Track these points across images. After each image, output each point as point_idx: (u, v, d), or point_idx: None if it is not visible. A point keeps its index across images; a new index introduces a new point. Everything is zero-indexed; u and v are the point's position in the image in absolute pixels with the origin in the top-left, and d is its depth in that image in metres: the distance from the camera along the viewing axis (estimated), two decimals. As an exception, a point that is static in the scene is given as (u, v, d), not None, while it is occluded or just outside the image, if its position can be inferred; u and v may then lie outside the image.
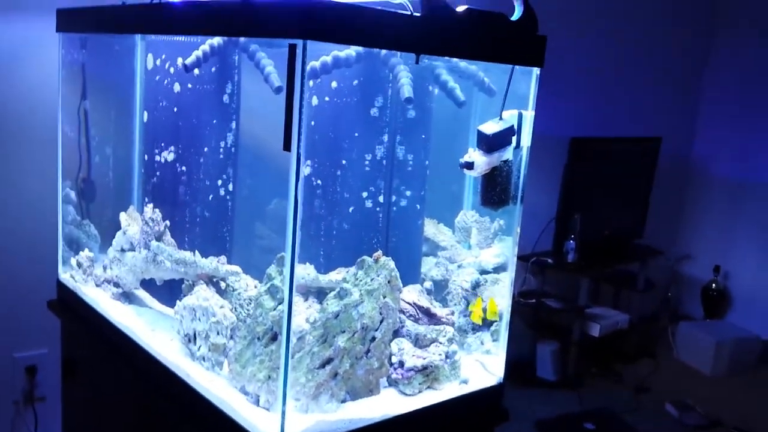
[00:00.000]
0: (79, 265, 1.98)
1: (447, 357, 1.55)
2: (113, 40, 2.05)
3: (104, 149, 2.10)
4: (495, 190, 1.58)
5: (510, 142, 1.56)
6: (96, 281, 1.94)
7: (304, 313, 1.49)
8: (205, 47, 1.64)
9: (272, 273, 1.46)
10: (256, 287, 1.58)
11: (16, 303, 2.35)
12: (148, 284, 1.87)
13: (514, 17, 1.52)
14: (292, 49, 1.19)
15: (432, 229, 1.97)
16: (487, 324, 1.73)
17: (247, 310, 1.51)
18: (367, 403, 1.45)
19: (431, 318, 1.63)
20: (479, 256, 1.88)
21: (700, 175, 4.72)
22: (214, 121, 1.76)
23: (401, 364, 1.51)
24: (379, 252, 1.51)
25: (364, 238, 1.71)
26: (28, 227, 2.33)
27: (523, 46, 1.54)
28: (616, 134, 3.99)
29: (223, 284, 1.64)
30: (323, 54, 1.54)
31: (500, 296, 1.73)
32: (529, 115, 1.57)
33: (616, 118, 4.16)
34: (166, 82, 1.77)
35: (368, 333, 1.45)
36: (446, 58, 1.69)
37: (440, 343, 1.57)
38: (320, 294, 1.58)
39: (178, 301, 1.63)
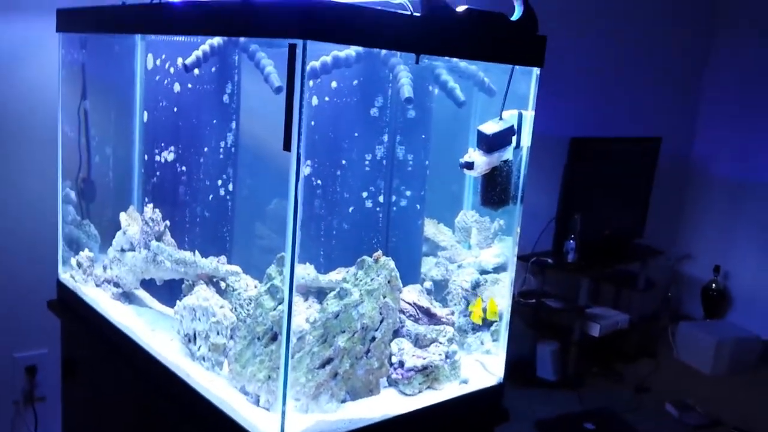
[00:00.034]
0: (79, 265, 1.98)
1: (447, 357, 1.55)
2: (113, 40, 2.05)
3: (104, 149, 2.10)
4: (495, 190, 1.58)
5: (510, 142, 1.56)
6: (96, 281, 1.94)
7: (304, 313, 1.49)
8: (205, 47, 1.64)
9: (272, 273, 1.46)
10: (256, 287, 1.58)
11: (16, 303, 2.35)
12: (148, 284, 1.87)
13: (514, 17, 1.52)
14: (292, 49, 1.19)
15: (432, 229, 1.97)
16: (487, 324, 1.73)
17: (247, 310, 1.51)
18: (367, 403, 1.45)
19: (431, 318, 1.63)
20: (479, 256, 1.88)
21: (700, 175, 4.72)
22: (214, 121, 1.76)
23: (401, 364, 1.51)
24: (379, 252, 1.51)
25: (364, 238, 1.71)
26: (28, 227, 2.33)
27: (523, 46, 1.54)
28: (616, 134, 3.99)
29: (223, 284, 1.64)
30: (323, 54, 1.54)
31: (500, 296, 1.73)
32: (529, 115, 1.57)
33: (616, 118, 4.16)
34: (166, 82, 1.77)
35: (368, 333, 1.45)
36: (446, 58, 1.69)
37: (440, 343, 1.57)
38: (320, 294, 1.58)
39: (178, 301, 1.63)
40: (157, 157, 1.81)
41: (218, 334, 1.52)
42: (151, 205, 1.76)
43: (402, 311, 1.60)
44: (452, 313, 1.70)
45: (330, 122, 1.67)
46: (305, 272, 1.58)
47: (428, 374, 1.52)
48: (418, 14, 1.35)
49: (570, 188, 3.63)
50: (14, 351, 2.39)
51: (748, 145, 4.48)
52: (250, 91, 1.78)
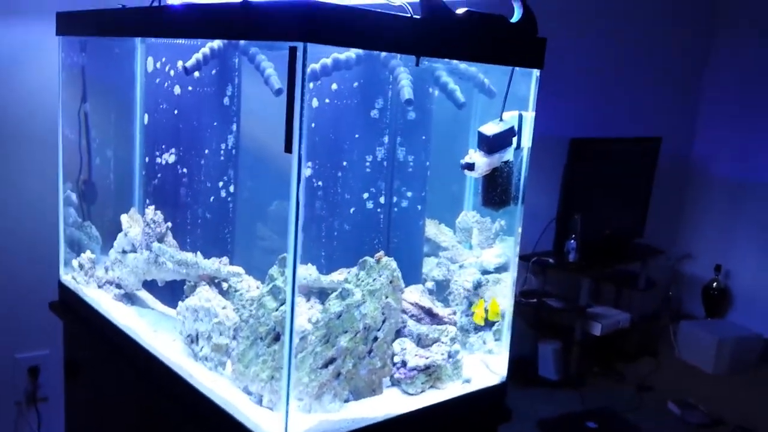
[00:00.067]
0: (81, 266, 1.98)
1: (449, 356, 1.56)
2: (113, 43, 2.05)
3: (105, 151, 2.11)
4: (496, 191, 1.59)
5: (510, 143, 1.56)
6: (98, 282, 1.94)
7: (307, 313, 1.50)
8: (206, 50, 1.65)
9: (274, 274, 1.47)
10: (258, 288, 1.59)
11: (18, 304, 2.36)
12: (150, 285, 1.87)
13: (514, 19, 1.52)
14: (293, 51, 1.19)
15: (433, 229, 1.98)
16: (489, 324, 1.74)
17: (250, 310, 1.51)
18: (370, 402, 1.45)
19: (433, 318, 1.64)
20: (480, 257, 1.89)
21: (700, 175, 4.73)
22: (215, 124, 1.77)
23: (404, 363, 1.51)
24: (381, 252, 1.51)
25: (366, 238, 1.72)
26: (29, 229, 2.34)
27: (523, 48, 1.54)
28: (616, 134, 4.00)
29: (225, 285, 1.64)
30: (323, 56, 1.55)
31: (502, 296, 1.73)
32: (529, 116, 1.58)
33: (615, 118, 4.17)
34: (166, 84, 1.77)
35: (371, 333, 1.45)
36: (446, 60, 1.69)
37: (442, 342, 1.58)
38: (322, 294, 1.59)
39: (180, 302, 1.64)
40: (158, 159, 1.81)
41: (221, 334, 1.53)
42: (152, 207, 1.76)
43: (404, 311, 1.60)
44: (454, 313, 1.71)
45: (330, 124, 1.67)
46: (307, 273, 1.58)
47: (431, 374, 1.53)
48: (418, 16, 1.36)
49: (570, 188, 3.63)
50: (16, 352, 2.40)
51: (748, 144, 4.48)
52: (251, 94, 1.78)
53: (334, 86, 1.65)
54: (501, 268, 1.83)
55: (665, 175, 4.30)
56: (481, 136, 1.55)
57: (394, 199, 1.77)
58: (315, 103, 1.65)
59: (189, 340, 1.60)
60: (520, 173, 1.60)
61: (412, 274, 1.73)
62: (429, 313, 1.64)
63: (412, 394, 1.51)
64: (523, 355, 3.61)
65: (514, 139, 1.57)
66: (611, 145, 3.92)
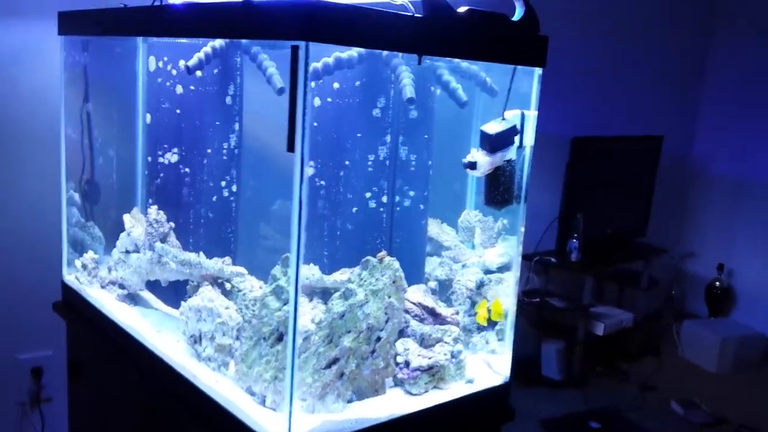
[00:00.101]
0: (84, 266, 1.98)
1: (452, 356, 1.56)
2: (115, 43, 2.05)
3: (107, 151, 2.11)
4: (498, 190, 1.58)
5: (513, 142, 1.56)
6: (101, 283, 1.94)
7: (310, 313, 1.50)
8: (207, 49, 1.65)
9: (277, 274, 1.47)
10: (261, 288, 1.58)
11: (21, 305, 2.36)
12: (153, 285, 1.87)
13: (516, 18, 1.52)
14: (295, 50, 1.19)
15: (436, 229, 1.98)
16: (491, 324, 1.74)
17: (253, 310, 1.51)
18: (374, 402, 1.45)
19: (436, 318, 1.63)
20: (483, 256, 1.88)
21: (703, 174, 4.72)
22: (217, 123, 1.77)
23: (407, 363, 1.51)
24: (384, 252, 1.51)
25: (368, 238, 1.71)
26: (32, 229, 2.34)
27: (525, 47, 1.54)
28: (617, 133, 3.99)
29: (228, 285, 1.64)
30: (325, 55, 1.54)
31: (505, 296, 1.73)
32: (531, 114, 1.58)
33: (617, 117, 4.16)
34: (168, 84, 1.77)
35: (373, 333, 1.45)
36: (448, 58, 1.69)
37: (445, 342, 1.57)
38: (325, 294, 1.58)
39: (183, 302, 1.64)
40: (161, 159, 1.81)
41: (224, 334, 1.53)
42: (155, 207, 1.76)
43: (407, 311, 1.60)
44: (457, 313, 1.70)
45: (332, 123, 1.67)
46: (310, 273, 1.58)
47: (434, 374, 1.52)
48: (419, 15, 1.35)
49: (572, 187, 3.63)
50: (19, 353, 2.40)
51: (750, 143, 4.48)
52: (253, 93, 1.78)
53: (336, 85, 1.65)
54: (504, 268, 1.82)
55: (668, 174, 4.30)
56: (483, 134, 1.55)
57: (397, 198, 1.77)
58: (317, 102, 1.65)
59: (192, 340, 1.60)
60: (523, 172, 1.60)
61: (414, 274, 1.73)
62: (432, 313, 1.64)
63: (415, 395, 1.51)
64: (526, 354, 3.61)
65: (517, 138, 1.56)
66: (613, 143, 3.92)
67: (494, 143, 1.54)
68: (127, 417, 1.88)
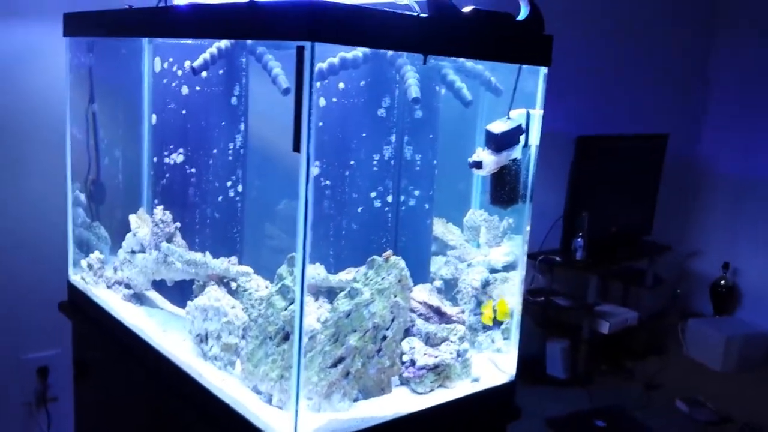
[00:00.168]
0: (90, 266, 1.99)
1: (458, 355, 1.56)
2: (120, 44, 2.06)
3: (113, 152, 2.12)
4: (504, 189, 1.59)
5: (518, 141, 1.56)
6: (107, 283, 1.95)
7: (315, 312, 1.50)
8: (213, 50, 1.65)
9: (283, 273, 1.47)
10: (267, 287, 1.59)
11: (26, 305, 2.37)
12: (159, 285, 1.88)
13: (521, 17, 1.52)
14: (300, 51, 1.19)
15: (441, 228, 1.98)
16: (497, 323, 1.74)
17: (259, 310, 1.52)
18: (379, 401, 1.46)
19: (442, 317, 1.64)
20: (488, 255, 1.88)
21: (708, 172, 4.71)
22: (223, 123, 1.78)
23: (413, 362, 1.51)
24: (390, 251, 1.51)
25: (374, 237, 1.72)
26: (36, 230, 2.35)
27: (530, 46, 1.54)
28: (622, 132, 3.99)
29: (234, 285, 1.65)
30: (330, 55, 1.55)
31: (510, 294, 1.73)
32: (537, 113, 1.58)
33: (622, 116, 4.16)
34: (174, 84, 1.78)
35: (379, 332, 1.45)
36: (453, 58, 1.69)
37: (451, 341, 1.58)
38: (330, 294, 1.59)
39: (189, 301, 1.64)
40: (167, 159, 1.82)
41: (230, 334, 1.53)
42: (161, 207, 1.77)
43: (412, 310, 1.60)
44: (463, 312, 1.70)
45: (338, 123, 1.67)
46: (315, 272, 1.58)
47: (440, 372, 1.53)
48: (424, 15, 1.36)
49: (577, 186, 3.63)
50: (25, 352, 2.41)
51: (754, 142, 4.47)
52: (258, 93, 1.78)
53: (341, 85, 1.65)
54: (509, 267, 1.83)
55: (672, 173, 4.29)
56: (488, 134, 1.55)
57: (402, 197, 1.77)
58: (322, 102, 1.65)
59: (198, 339, 1.60)
60: (528, 171, 1.60)
61: (420, 273, 1.73)
62: (437, 311, 1.64)
63: (421, 393, 1.51)
64: (531, 353, 3.60)
65: (522, 137, 1.57)
66: (618, 142, 3.92)
67: (500, 142, 1.54)
68: (134, 416, 1.88)
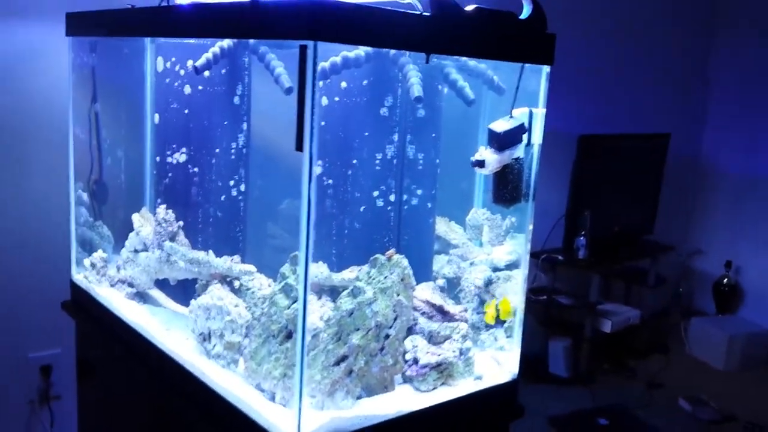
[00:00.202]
0: (93, 265, 1.99)
1: (461, 353, 1.56)
2: (123, 44, 2.06)
3: (116, 151, 2.12)
4: (507, 188, 1.59)
5: (521, 140, 1.56)
6: (110, 281, 1.95)
7: (318, 311, 1.50)
8: (215, 49, 1.66)
9: (286, 272, 1.47)
10: (270, 286, 1.59)
11: (30, 304, 2.37)
12: (162, 284, 1.88)
13: (523, 16, 1.52)
14: (303, 50, 1.20)
15: (443, 227, 1.98)
16: (500, 321, 1.74)
17: (262, 308, 1.52)
18: (382, 399, 1.46)
19: (444, 315, 1.64)
20: (491, 254, 1.89)
21: (710, 171, 4.71)
22: (226, 123, 1.78)
23: (415, 360, 1.51)
24: (392, 250, 1.52)
25: (376, 236, 1.72)
26: (40, 229, 2.35)
27: (533, 44, 1.54)
28: (624, 131, 3.99)
29: (236, 283, 1.65)
30: (333, 55, 1.55)
31: (513, 293, 1.73)
32: (539, 112, 1.58)
33: (624, 115, 4.16)
34: (176, 84, 1.78)
35: (382, 330, 1.45)
36: (455, 57, 1.69)
37: (454, 339, 1.58)
38: (333, 292, 1.59)
39: (192, 300, 1.65)
40: (169, 159, 1.82)
41: (233, 332, 1.53)
42: (164, 206, 1.77)
43: (415, 309, 1.61)
44: (465, 311, 1.71)
45: (340, 122, 1.67)
46: (318, 271, 1.59)
47: (442, 371, 1.53)
48: (427, 14, 1.36)
49: (579, 185, 3.63)
50: (29, 351, 2.41)
51: (757, 141, 4.46)
52: (261, 92, 1.79)
53: (344, 84, 1.65)
54: (512, 265, 1.83)
55: (675, 172, 4.29)
56: (491, 133, 1.55)
57: (405, 196, 1.77)
58: (325, 101, 1.65)
59: (201, 338, 1.61)
60: (531, 170, 1.60)
61: (422, 272, 1.74)
62: (440, 310, 1.64)
63: (424, 391, 1.51)
64: (533, 352, 3.61)
65: (525, 136, 1.57)
66: (620, 141, 3.92)
67: (502, 141, 1.54)
68: (136, 414, 1.89)
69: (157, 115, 1.88)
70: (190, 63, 1.70)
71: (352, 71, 1.61)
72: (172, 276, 1.78)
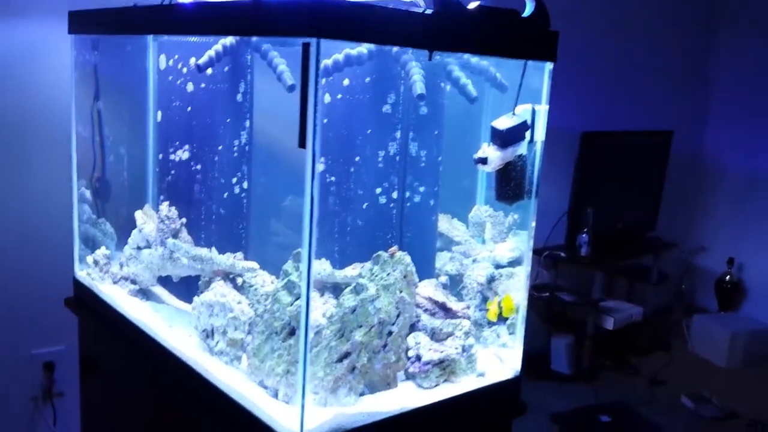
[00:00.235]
0: (96, 262, 2.00)
1: (463, 350, 1.56)
2: (125, 41, 2.06)
3: (118, 149, 2.12)
4: (509, 185, 1.59)
5: (523, 137, 1.56)
6: (113, 278, 1.96)
7: (321, 308, 1.51)
8: (218, 47, 1.66)
9: (289, 269, 1.48)
10: (272, 283, 1.59)
11: (33, 300, 2.38)
12: (165, 281, 1.89)
13: (526, 13, 1.52)
14: (306, 47, 1.20)
15: (446, 224, 1.98)
16: (503, 318, 1.74)
17: (265, 305, 1.52)
18: (385, 396, 1.46)
19: (447, 312, 1.64)
20: (494, 251, 1.89)
21: (713, 168, 4.71)
22: (228, 120, 1.78)
23: (418, 357, 1.52)
24: (395, 247, 1.52)
25: (379, 233, 1.72)
26: (43, 226, 2.36)
27: (536, 42, 1.54)
28: (626, 128, 3.98)
29: (239, 280, 1.65)
30: (335, 52, 1.55)
31: (515, 290, 1.73)
32: (542, 109, 1.58)
33: (626, 112, 4.15)
34: (179, 82, 1.78)
35: (385, 327, 1.46)
36: (458, 54, 1.69)
37: (457, 336, 1.58)
38: (336, 289, 1.59)
39: (195, 297, 1.65)
40: (172, 156, 1.82)
41: (236, 329, 1.54)
42: (166, 203, 1.78)
43: (418, 306, 1.61)
44: (468, 307, 1.71)
45: (343, 119, 1.68)
46: (321, 268, 1.59)
47: (445, 367, 1.53)
48: (429, 11, 1.36)
49: (582, 182, 3.62)
50: (32, 348, 2.42)
51: (759, 139, 4.46)
52: (263, 90, 1.79)
53: (346, 82, 1.66)
54: (514, 262, 1.83)
55: (677, 169, 4.28)
56: (494, 130, 1.55)
57: (407, 194, 1.77)
58: (327, 98, 1.65)
59: (204, 335, 1.61)
60: (533, 167, 1.60)
61: (425, 269, 1.74)
62: (443, 307, 1.64)
63: (426, 388, 1.51)
64: (535, 349, 3.61)
65: (528, 133, 1.57)
66: (622, 138, 3.91)
67: (505, 138, 1.54)
68: (139, 411, 1.89)
69: (159, 113, 1.88)
70: (192, 61, 1.70)
71: (354, 68, 1.61)
72: (175, 273, 1.79)
